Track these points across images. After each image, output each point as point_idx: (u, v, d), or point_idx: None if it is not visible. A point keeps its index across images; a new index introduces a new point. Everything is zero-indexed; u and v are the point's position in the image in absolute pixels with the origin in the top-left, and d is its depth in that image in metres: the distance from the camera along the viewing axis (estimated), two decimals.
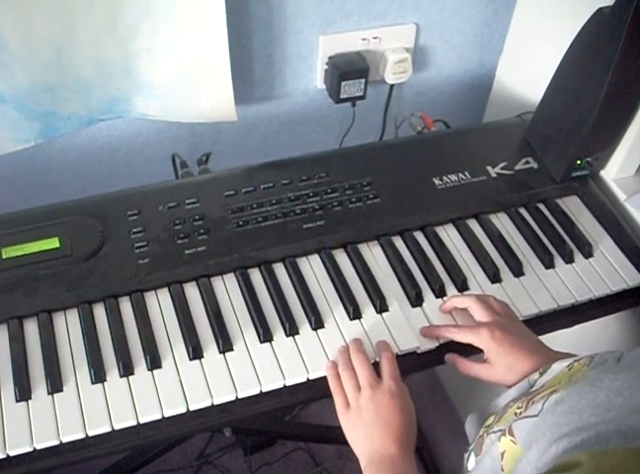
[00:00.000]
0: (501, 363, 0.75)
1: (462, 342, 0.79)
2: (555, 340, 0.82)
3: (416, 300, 0.85)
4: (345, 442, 0.75)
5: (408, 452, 0.71)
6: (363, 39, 1.12)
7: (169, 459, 1.49)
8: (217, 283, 0.86)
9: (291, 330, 0.81)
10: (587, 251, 0.93)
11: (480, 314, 0.80)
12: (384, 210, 0.94)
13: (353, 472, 0.74)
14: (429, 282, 0.88)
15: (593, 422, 0.51)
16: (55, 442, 0.71)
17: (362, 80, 1.12)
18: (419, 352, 0.81)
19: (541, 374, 0.70)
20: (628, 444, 0.47)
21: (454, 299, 0.84)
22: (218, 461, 1.56)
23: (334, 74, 1.11)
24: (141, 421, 0.72)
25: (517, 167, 1.01)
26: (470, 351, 0.79)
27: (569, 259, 0.92)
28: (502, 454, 0.60)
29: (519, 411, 0.63)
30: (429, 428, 1.65)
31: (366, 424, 0.72)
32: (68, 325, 0.80)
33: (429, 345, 0.81)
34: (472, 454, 0.68)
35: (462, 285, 0.87)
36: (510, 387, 0.74)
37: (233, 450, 1.57)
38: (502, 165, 1.01)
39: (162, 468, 1.50)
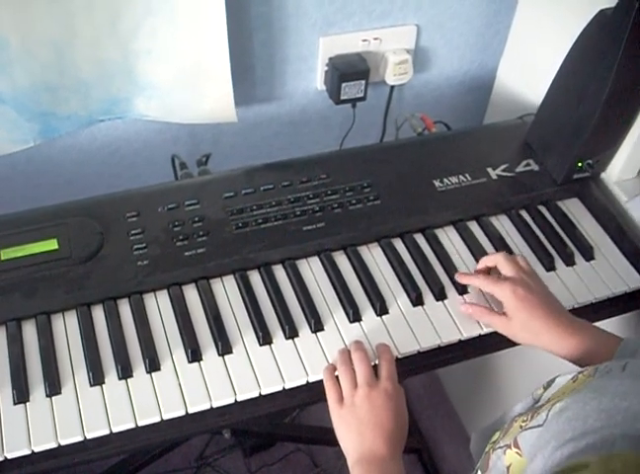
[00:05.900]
0: (518, 318, 0.78)
1: (485, 290, 0.84)
2: None
3: (416, 303, 0.85)
4: None
5: (397, 455, 0.72)
6: (364, 41, 1.12)
7: (168, 461, 1.49)
8: (217, 285, 0.85)
9: (291, 333, 0.81)
10: (588, 254, 0.92)
11: (507, 269, 0.82)
12: (385, 212, 0.93)
13: None
14: (429, 285, 0.87)
15: (597, 426, 0.50)
16: (54, 445, 0.70)
17: (363, 81, 1.11)
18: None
19: (545, 389, 0.70)
20: (635, 448, 0.46)
21: (485, 258, 0.87)
22: (218, 463, 1.56)
23: (334, 75, 1.10)
24: (140, 423, 0.72)
25: (517, 169, 1.01)
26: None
27: (570, 261, 0.92)
28: (507, 468, 0.59)
29: (524, 424, 0.62)
30: (428, 429, 1.65)
31: (360, 422, 0.72)
32: (67, 327, 0.80)
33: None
34: (479, 472, 0.67)
35: (463, 288, 0.87)
36: (521, 344, 0.79)
37: (232, 452, 1.57)
38: (502, 167, 1.01)
39: (161, 470, 1.49)
